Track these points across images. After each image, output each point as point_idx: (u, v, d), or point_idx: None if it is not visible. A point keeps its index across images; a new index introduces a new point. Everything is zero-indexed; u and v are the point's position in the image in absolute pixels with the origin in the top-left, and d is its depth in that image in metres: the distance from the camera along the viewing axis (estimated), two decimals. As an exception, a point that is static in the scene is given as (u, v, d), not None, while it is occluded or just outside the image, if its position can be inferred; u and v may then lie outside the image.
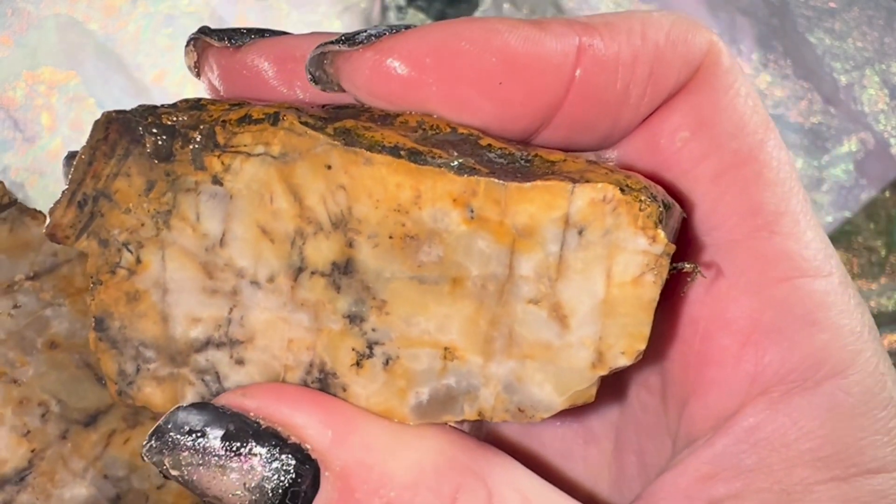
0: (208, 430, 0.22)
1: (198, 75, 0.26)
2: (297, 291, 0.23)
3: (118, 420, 0.27)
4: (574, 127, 0.24)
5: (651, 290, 0.22)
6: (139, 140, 0.23)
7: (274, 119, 0.23)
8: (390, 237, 0.23)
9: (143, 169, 0.23)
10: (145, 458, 0.23)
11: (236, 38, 0.25)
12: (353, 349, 0.23)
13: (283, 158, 0.23)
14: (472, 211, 0.22)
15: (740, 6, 0.64)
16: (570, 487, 0.27)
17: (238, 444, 0.22)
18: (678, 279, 0.23)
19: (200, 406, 0.23)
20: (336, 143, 0.22)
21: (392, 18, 0.63)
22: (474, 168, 0.22)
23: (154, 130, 0.23)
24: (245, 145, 0.23)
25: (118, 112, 0.24)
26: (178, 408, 0.23)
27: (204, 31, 0.26)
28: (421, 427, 0.23)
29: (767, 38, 0.64)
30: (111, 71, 0.61)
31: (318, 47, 0.23)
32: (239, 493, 0.22)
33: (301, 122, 0.23)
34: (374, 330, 0.23)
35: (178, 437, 0.22)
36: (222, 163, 0.23)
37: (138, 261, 0.24)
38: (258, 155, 0.23)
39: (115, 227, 0.24)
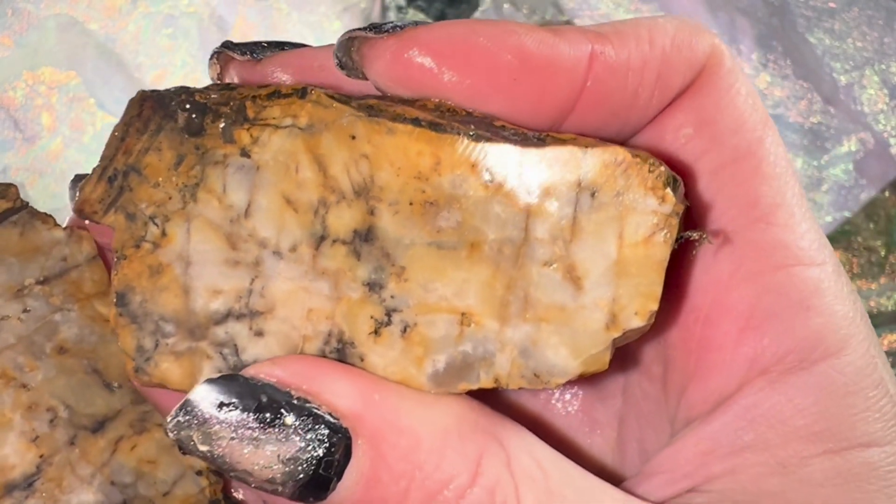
0: (239, 402, 0.22)
1: None
2: (318, 260, 0.23)
3: (125, 426, 0.27)
4: (585, 129, 0.24)
5: (662, 250, 0.23)
6: (172, 115, 0.24)
7: (302, 93, 0.24)
8: (410, 204, 0.23)
9: (174, 143, 0.24)
10: (170, 435, 0.22)
11: (258, 51, 0.27)
12: (372, 317, 0.23)
13: (310, 130, 0.23)
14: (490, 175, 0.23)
15: (740, 6, 0.64)
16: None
17: (271, 416, 0.22)
18: (684, 250, 0.24)
19: (229, 378, 0.23)
20: (360, 114, 0.23)
21: (392, 18, 0.63)
22: (490, 137, 0.23)
23: (187, 107, 0.24)
24: (274, 118, 0.24)
25: (153, 91, 0.24)
26: (206, 381, 0.23)
27: (227, 45, 0.27)
28: (442, 395, 0.23)
29: (767, 38, 0.64)
30: (111, 71, 0.61)
31: (346, 33, 0.25)
32: (273, 465, 0.22)
33: (328, 96, 0.23)
34: (392, 297, 0.23)
35: (209, 409, 0.22)
36: (251, 135, 0.24)
37: (163, 234, 0.24)
38: (286, 127, 0.23)
39: (142, 201, 0.24)
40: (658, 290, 0.23)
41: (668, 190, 0.23)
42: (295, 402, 0.22)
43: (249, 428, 0.22)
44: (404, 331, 0.23)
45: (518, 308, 0.23)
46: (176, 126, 0.24)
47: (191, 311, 0.24)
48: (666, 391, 0.27)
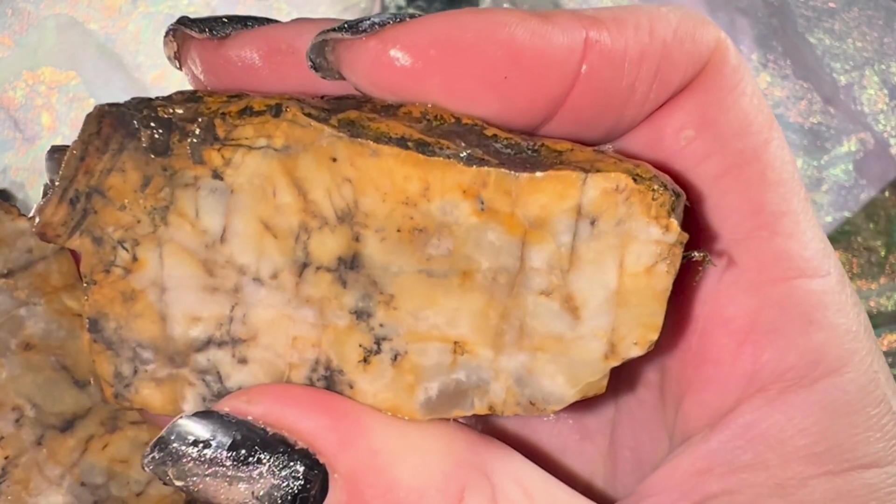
0: (214, 440, 0.22)
1: (179, 67, 0.25)
2: (301, 287, 0.23)
3: (96, 425, 0.26)
4: (578, 121, 0.23)
5: (664, 280, 0.22)
6: (134, 134, 0.22)
7: (276, 111, 0.22)
8: (398, 230, 0.22)
9: (139, 164, 0.22)
10: (146, 469, 0.22)
11: (217, 28, 0.25)
12: (361, 345, 0.23)
13: (286, 151, 0.22)
14: (482, 202, 0.22)
15: (740, 6, 0.64)
16: (566, 482, 0.27)
17: (245, 454, 0.22)
18: (685, 269, 0.23)
19: (204, 415, 0.22)
20: (341, 134, 0.22)
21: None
22: (483, 159, 0.22)
23: (150, 124, 0.22)
24: (246, 138, 0.22)
25: (111, 105, 0.23)
26: (180, 417, 0.22)
27: (183, 21, 0.25)
28: (427, 424, 0.23)
29: (767, 38, 0.64)
30: (111, 71, 0.61)
31: (319, 34, 0.23)
32: (247, 501, 0.22)
33: (304, 114, 0.22)
34: (381, 325, 0.23)
35: (183, 447, 0.22)
36: (222, 156, 0.22)
37: (134, 259, 0.23)
38: (260, 148, 0.22)
39: (109, 225, 0.23)
40: (659, 320, 0.22)
41: (672, 219, 0.22)
42: (270, 438, 0.22)
43: (224, 466, 0.22)
44: (395, 359, 0.23)
45: (513, 337, 0.22)
46: (139, 145, 0.22)
47: (169, 337, 0.23)
48: (663, 400, 0.26)
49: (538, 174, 0.22)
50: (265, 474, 0.22)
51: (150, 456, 0.22)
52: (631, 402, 0.27)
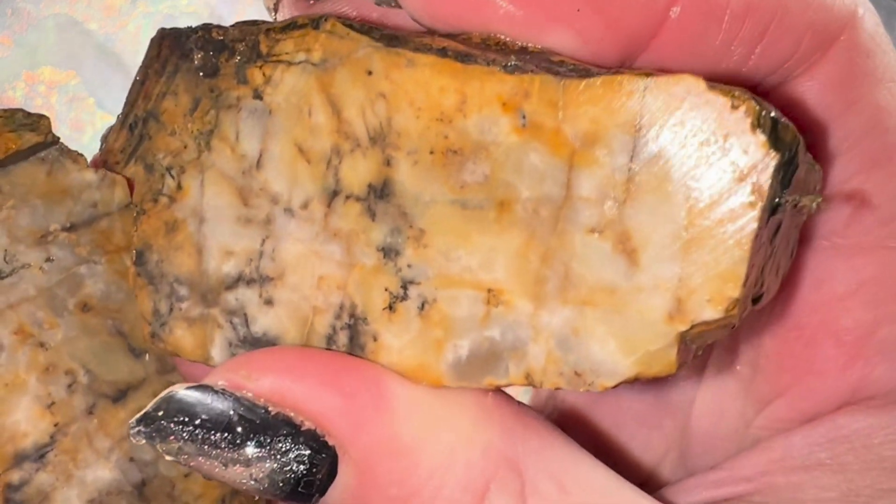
0: (206, 419, 0.20)
1: (274, 19, 0.24)
2: (330, 219, 0.21)
3: (149, 397, 0.24)
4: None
5: (748, 217, 0.17)
6: (188, 55, 0.22)
7: (317, 23, 0.21)
8: (431, 152, 0.20)
9: (190, 86, 0.22)
10: (133, 440, 0.20)
11: None
12: (387, 289, 0.20)
13: (324, 65, 0.20)
14: (524, 117, 0.19)
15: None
16: (626, 466, 0.26)
17: (242, 435, 0.20)
18: (789, 222, 0.19)
19: (197, 388, 0.20)
20: (378, 44, 0.20)
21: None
22: (529, 69, 0.19)
23: (203, 45, 0.22)
24: (286, 53, 0.21)
25: (172, 28, 0.22)
26: (171, 391, 0.20)
27: None
28: (456, 398, 0.20)
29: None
30: (111, 71, 0.60)
31: None
32: (245, 482, 0.20)
33: (344, 25, 0.20)
34: (409, 266, 0.20)
35: (171, 425, 0.20)
36: (264, 74, 0.21)
37: (179, 187, 0.22)
38: (299, 63, 0.21)
39: (160, 151, 0.22)
40: (742, 270, 0.17)
41: (760, 133, 0.17)
42: (272, 419, 0.20)
43: (217, 448, 0.20)
44: (422, 307, 0.20)
45: (556, 286, 0.19)
46: (191, 66, 0.22)
47: (203, 272, 0.22)
48: (748, 393, 0.24)
49: (589, 80, 0.18)
50: (265, 458, 0.20)
51: (137, 429, 0.20)
52: (712, 387, 0.25)
